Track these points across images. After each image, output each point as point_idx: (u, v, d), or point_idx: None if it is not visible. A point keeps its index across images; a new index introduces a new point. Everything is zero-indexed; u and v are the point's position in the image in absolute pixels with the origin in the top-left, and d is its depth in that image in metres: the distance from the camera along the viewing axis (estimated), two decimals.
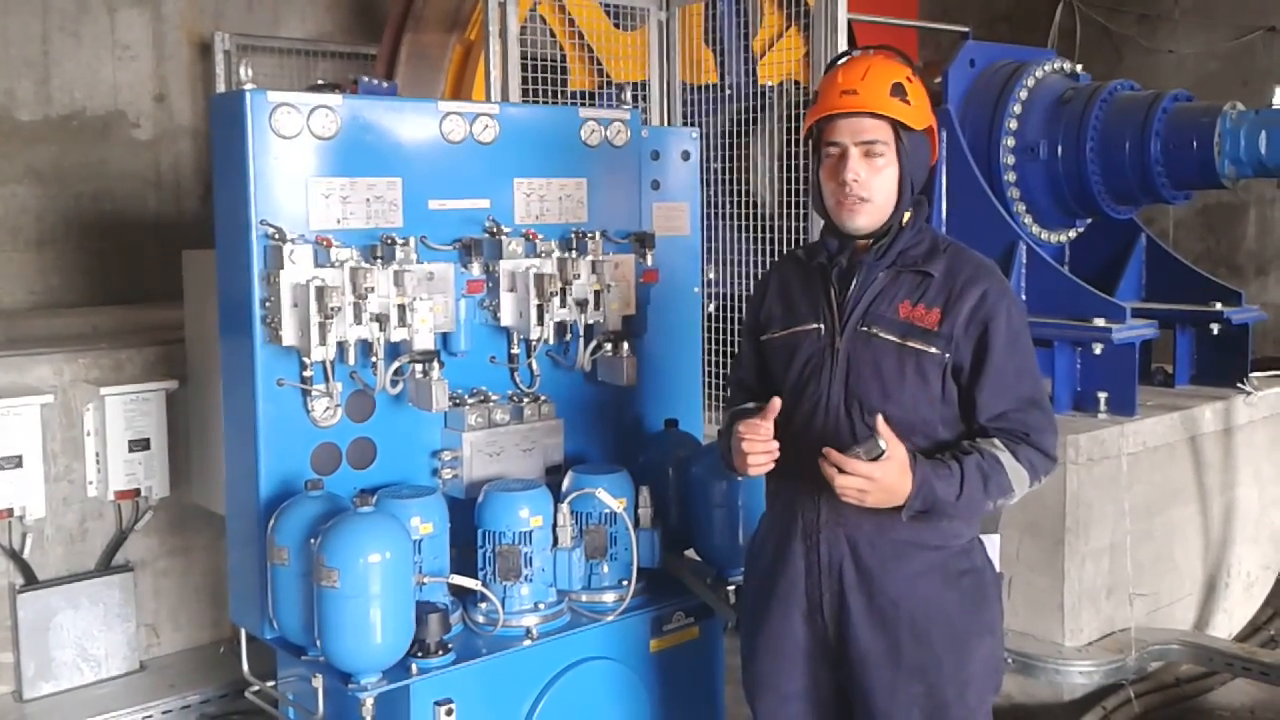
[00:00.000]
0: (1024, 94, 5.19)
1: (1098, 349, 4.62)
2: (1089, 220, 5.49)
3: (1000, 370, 2.57)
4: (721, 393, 4.82)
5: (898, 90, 2.57)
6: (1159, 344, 5.18)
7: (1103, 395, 4.67)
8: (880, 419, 2.45)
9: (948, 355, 2.57)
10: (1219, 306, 5.16)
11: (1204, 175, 4.99)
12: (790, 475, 2.64)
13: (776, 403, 2.58)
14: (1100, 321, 4.64)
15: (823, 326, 2.67)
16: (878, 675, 2.60)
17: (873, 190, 2.58)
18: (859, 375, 2.60)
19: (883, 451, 2.42)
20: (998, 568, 2.82)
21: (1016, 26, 8.20)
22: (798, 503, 2.67)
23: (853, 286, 2.64)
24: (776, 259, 4.90)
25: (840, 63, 2.67)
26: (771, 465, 2.61)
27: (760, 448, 2.58)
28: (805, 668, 2.71)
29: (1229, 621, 5.16)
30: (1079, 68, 5.45)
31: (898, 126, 2.57)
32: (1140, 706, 4.39)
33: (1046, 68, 5.31)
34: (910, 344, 2.58)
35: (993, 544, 2.82)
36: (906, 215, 2.64)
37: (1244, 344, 5.22)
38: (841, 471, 2.43)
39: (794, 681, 2.73)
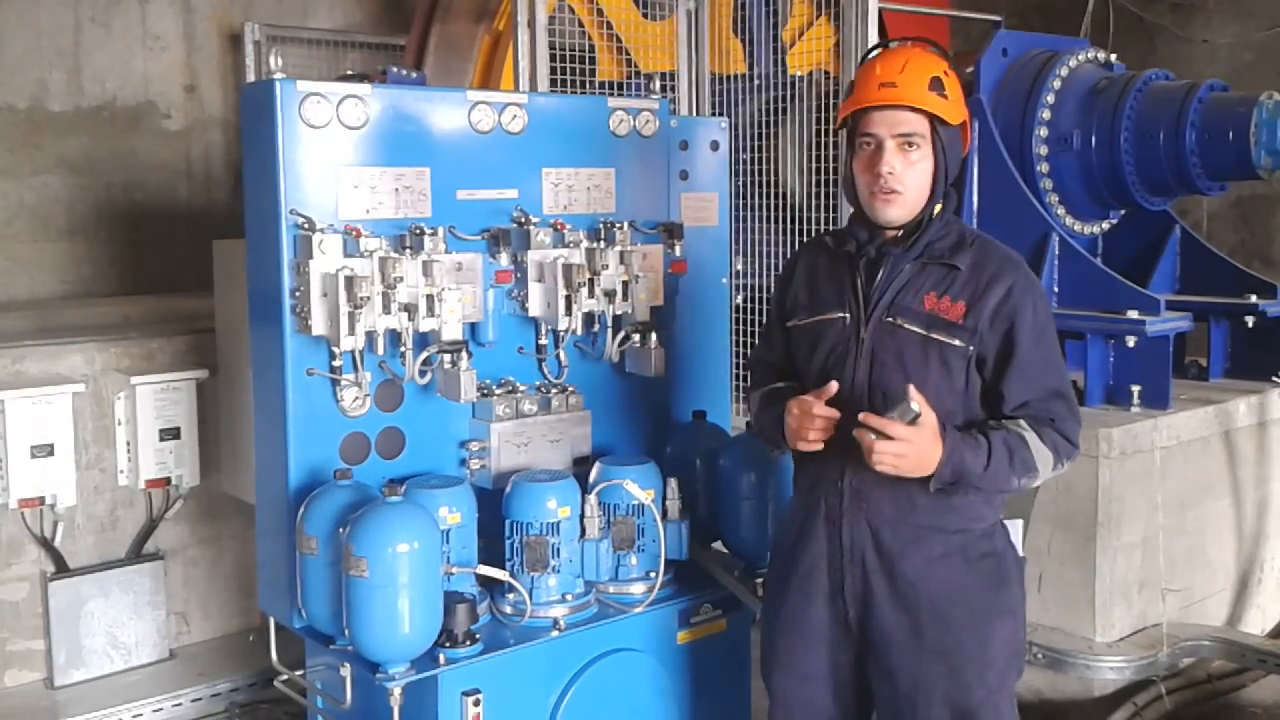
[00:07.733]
0: (1057, 84, 5.13)
1: (1131, 342, 4.57)
2: (1122, 211, 5.43)
3: (1027, 363, 2.59)
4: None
5: (936, 84, 2.58)
6: (1193, 337, 5.12)
7: (1136, 388, 4.61)
8: (912, 386, 2.46)
9: (972, 348, 2.59)
10: (1253, 299, 5.10)
11: (1239, 166, 4.94)
12: (815, 460, 2.68)
13: (833, 386, 2.57)
14: (1134, 314, 4.59)
15: (848, 316, 2.69)
16: (901, 655, 2.64)
17: (906, 183, 2.60)
18: (883, 365, 2.63)
19: (917, 415, 2.42)
20: (1020, 553, 2.82)
21: (1049, 16, 8.09)
22: (821, 488, 2.72)
23: (879, 277, 2.67)
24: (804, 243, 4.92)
25: (876, 54, 2.67)
26: (826, 436, 2.60)
27: (821, 417, 2.57)
28: (825, 649, 2.75)
29: (1262, 617, 5.10)
30: (1113, 57, 5.38)
31: (935, 121, 2.58)
32: (1172, 703, 4.34)
33: (1080, 57, 5.25)
34: (935, 336, 2.60)
35: (1015, 529, 2.83)
36: (937, 208, 2.65)
37: (1279, 337, 5.15)
38: (880, 437, 2.43)
39: (813, 663, 2.77)
